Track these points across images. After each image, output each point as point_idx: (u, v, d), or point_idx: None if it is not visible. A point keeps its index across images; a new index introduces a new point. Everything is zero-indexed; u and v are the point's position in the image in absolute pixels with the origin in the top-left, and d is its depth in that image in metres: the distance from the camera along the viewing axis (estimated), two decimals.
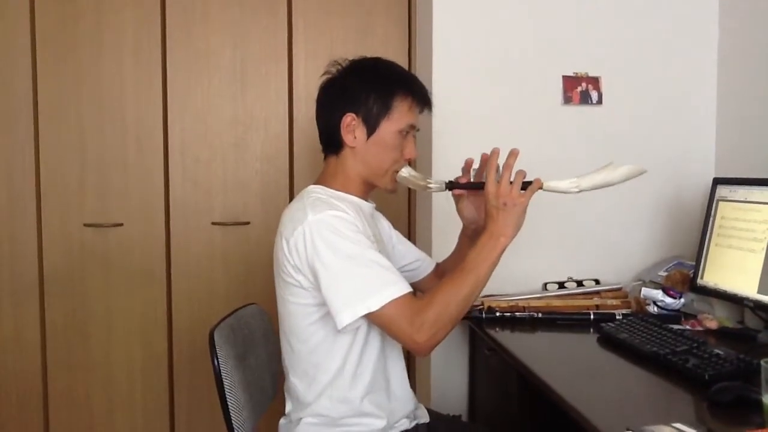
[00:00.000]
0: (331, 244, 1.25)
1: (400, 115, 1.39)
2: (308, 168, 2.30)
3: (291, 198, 2.30)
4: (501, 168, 1.33)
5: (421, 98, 1.43)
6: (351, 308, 1.24)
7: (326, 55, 2.26)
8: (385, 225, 1.61)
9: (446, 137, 1.99)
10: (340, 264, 1.25)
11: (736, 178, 1.76)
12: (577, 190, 1.38)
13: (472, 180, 1.47)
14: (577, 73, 2.07)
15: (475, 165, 1.46)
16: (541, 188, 1.35)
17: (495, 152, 1.35)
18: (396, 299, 1.23)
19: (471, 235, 1.52)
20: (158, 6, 2.22)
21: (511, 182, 1.31)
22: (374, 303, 1.23)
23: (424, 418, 1.50)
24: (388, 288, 1.24)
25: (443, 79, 2.00)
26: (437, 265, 1.71)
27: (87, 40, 2.21)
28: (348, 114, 1.38)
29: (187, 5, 2.23)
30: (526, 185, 1.32)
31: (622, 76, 2.10)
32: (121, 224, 2.25)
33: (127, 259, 2.26)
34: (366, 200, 1.46)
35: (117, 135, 2.24)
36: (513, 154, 1.33)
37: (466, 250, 1.46)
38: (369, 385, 1.37)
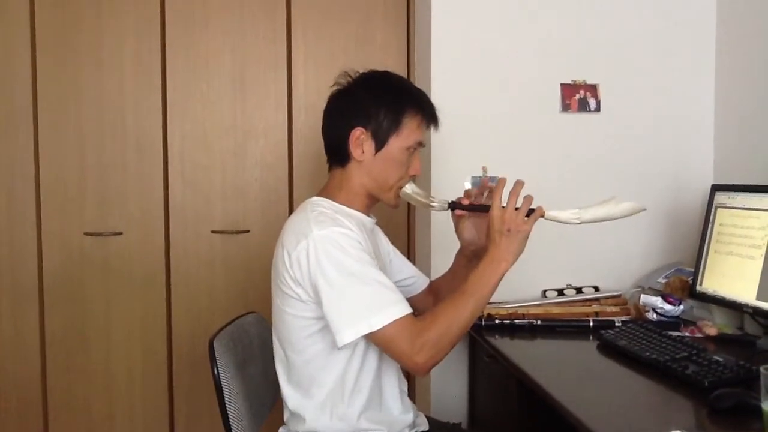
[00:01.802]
0: (335, 260, 1.25)
1: (409, 131, 1.39)
2: (308, 176, 2.30)
3: (291, 206, 2.30)
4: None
5: (430, 116, 1.44)
6: (353, 327, 1.24)
7: (325, 62, 2.28)
8: (383, 240, 1.61)
9: (444, 144, 2.00)
10: (343, 281, 1.25)
11: (735, 185, 1.77)
12: (578, 221, 1.40)
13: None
14: (575, 81, 2.08)
15: (467, 184, 1.47)
16: (543, 216, 1.37)
17: (502, 181, 1.36)
18: (398, 319, 1.23)
19: (469, 256, 1.52)
20: (158, 12, 2.23)
21: (516, 209, 1.32)
22: (376, 322, 1.23)
23: (424, 426, 1.50)
24: (391, 307, 1.24)
25: (441, 86, 2.01)
26: (431, 283, 1.70)
27: (87, 47, 2.21)
28: (357, 128, 1.38)
29: (186, 12, 2.24)
30: (529, 212, 1.34)
31: (620, 84, 2.10)
32: (121, 233, 2.25)
33: (127, 267, 2.26)
34: (368, 215, 1.46)
35: (117, 142, 2.24)
36: (519, 183, 1.35)
37: (462, 270, 1.48)
38: (367, 402, 1.36)
